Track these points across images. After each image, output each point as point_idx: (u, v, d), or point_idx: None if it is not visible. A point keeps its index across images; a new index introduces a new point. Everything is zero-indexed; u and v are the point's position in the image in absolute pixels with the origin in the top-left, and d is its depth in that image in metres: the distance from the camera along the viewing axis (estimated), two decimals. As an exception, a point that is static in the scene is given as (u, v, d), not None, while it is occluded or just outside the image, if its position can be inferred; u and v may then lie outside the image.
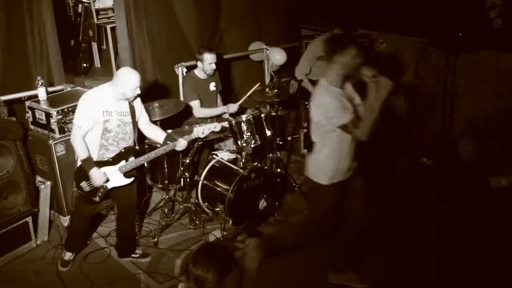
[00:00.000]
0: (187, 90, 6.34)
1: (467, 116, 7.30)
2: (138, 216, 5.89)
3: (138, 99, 4.91)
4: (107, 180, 4.78)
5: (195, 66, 6.42)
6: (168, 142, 4.98)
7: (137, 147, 4.99)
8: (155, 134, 5.11)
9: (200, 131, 5.05)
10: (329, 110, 4.15)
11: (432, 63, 7.49)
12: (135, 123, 4.88)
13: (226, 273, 2.41)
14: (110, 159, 4.78)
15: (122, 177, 4.86)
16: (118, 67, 7.95)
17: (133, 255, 5.35)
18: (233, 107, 6.34)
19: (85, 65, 8.58)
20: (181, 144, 4.96)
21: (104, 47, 9.28)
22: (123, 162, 4.82)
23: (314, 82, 6.83)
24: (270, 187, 5.92)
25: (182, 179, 5.84)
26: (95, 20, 8.72)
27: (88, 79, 8.24)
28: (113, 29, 8.24)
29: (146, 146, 5.71)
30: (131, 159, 4.86)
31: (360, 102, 4.36)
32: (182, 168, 5.76)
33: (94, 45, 8.96)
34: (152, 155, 4.92)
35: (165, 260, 5.35)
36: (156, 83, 7.08)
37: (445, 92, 7.22)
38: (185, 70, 6.80)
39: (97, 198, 4.84)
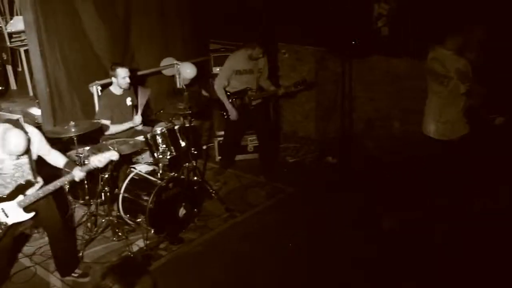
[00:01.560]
0: (101, 107, 6.23)
1: (364, 116, 7.51)
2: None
3: (35, 134, 4.64)
4: (7, 216, 4.49)
5: (110, 84, 6.28)
6: (66, 169, 4.68)
7: (35, 180, 4.65)
8: (56, 160, 4.78)
9: (97, 160, 4.71)
10: None
11: (331, 69, 7.67)
12: (32, 159, 4.59)
13: (132, 286, 2.39)
14: (5, 196, 4.49)
15: (22, 212, 4.55)
16: (33, 88, 7.71)
17: (73, 274, 5.12)
18: (137, 119, 6.24)
19: (0, 88, 8.25)
20: (78, 175, 4.64)
21: (20, 69, 8.93)
22: (20, 197, 4.52)
23: (233, 94, 6.89)
24: (188, 195, 5.86)
25: (102, 194, 5.69)
26: (8, 43, 8.39)
27: (5, 101, 7.93)
28: (27, 51, 7.92)
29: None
30: (30, 192, 4.57)
31: None
32: (102, 183, 5.62)
33: (9, 68, 8.61)
34: (50, 187, 4.58)
35: (91, 273, 5.17)
36: (72, 102, 6.89)
37: (343, 96, 7.38)
38: (99, 88, 6.63)
39: None
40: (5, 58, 8.42)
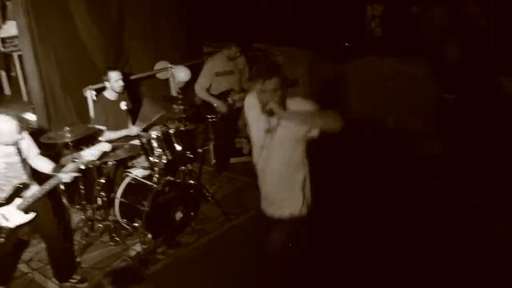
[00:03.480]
0: (96, 113, 6.13)
1: (359, 115, 7.47)
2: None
3: (25, 136, 4.59)
4: (7, 220, 4.39)
5: (104, 88, 6.17)
6: (54, 174, 4.53)
7: (30, 182, 4.57)
8: (42, 165, 4.69)
9: (89, 154, 4.59)
10: None
11: (325, 70, 7.63)
12: (23, 161, 4.53)
13: None
14: (3, 200, 4.39)
15: (23, 214, 4.45)
16: (28, 94, 7.61)
17: (71, 280, 5.02)
18: (134, 130, 6.22)
19: (-6, 93, 8.17)
20: (66, 178, 4.54)
21: (14, 74, 8.81)
22: (19, 200, 4.43)
23: (217, 96, 6.78)
24: (184, 198, 5.78)
25: (99, 199, 5.59)
26: (1, 48, 8.27)
27: (-1, 107, 7.85)
28: (21, 56, 7.81)
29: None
30: (28, 194, 4.48)
31: None
32: (98, 188, 5.52)
33: (3, 73, 8.50)
34: (46, 187, 4.46)
35: (89, 278, 5.10)
36: (67, 107, 6.79)
37: (337, 95, 7.36)
38: (94, 92, 6.53)
39: (2, 239, 4.43)
40: (-2, 63, 8.35)
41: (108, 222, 5.64)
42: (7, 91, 8.60)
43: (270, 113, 3.66)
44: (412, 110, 6.90)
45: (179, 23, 8.30)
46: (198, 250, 5.59)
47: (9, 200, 4.41)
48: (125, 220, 5.64)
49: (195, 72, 7.59)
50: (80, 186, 5.48)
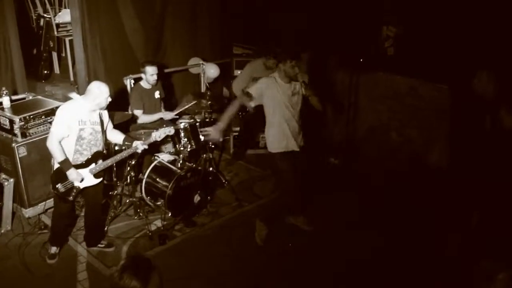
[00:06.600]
0: (133, 99, 6.32)
1: (366, 124, 7.55)
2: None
3: (106, 111, 4.90)
4: (80, 181, 4.74)
5: (141, 78, 6.37)
6: (127, 143, 5.03)
7: (104, 151, 4.95)
8: (116, 137, 5.12)
9: (158, 135, 5.15)
10: None
11: (339, 80, 7.69)
12: (104, 131, 4.88)
13: (147, 281, 2.45)
14: (83, 162, 4.73)
15: (92, 177, 4.83)
16: (74, 75, 7.84)
17: (99, 245, 5.32)
18: (169, 115, 6.43)
19: (46, 72, 8.38)
20: (140, 148, 5.03)
21: (64, 55, 9.05)
22: (93, 165, 4.79)
23: None
24: (203, 183, 5.97)
25: (128, 177, 5.86)
26: (55, 32, 8.51)
27: (49, 84, 8.07)
28: (71, 40, 8.02)
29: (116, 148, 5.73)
30: (100, 161, 4.84)
31: None
32: (128, 168, 5.78)
33: (54, 55, 8.73)
34: (117, 157, 4.93)
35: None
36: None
37: (349, 105, 7.44)
38: (132, 81, 6.74)
39: (71, 197, 4.77)
40: (51, 45, 8.55)
41: (134, 199, 5.89)
42: (57, 70, 8.85)
43: (297, 79, 5.15)
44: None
45: (215, 23, 8.35)
46: (211, 230, 5.76)
47: (86, 164, 4.76)
48: (149, 198, 5.85)
49: (224, 70, 7.76)
50: (113, 165, 5.73)
